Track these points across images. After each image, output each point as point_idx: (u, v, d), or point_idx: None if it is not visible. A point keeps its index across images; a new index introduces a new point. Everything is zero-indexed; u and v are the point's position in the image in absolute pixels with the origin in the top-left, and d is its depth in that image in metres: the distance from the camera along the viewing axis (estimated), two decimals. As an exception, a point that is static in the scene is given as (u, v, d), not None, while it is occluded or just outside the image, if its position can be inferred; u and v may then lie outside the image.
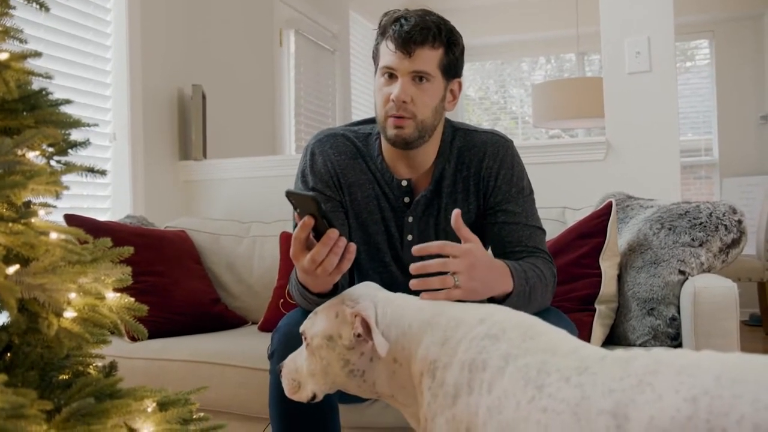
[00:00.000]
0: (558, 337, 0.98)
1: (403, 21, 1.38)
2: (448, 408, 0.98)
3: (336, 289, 1.29)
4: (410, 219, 1.51)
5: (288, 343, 1.34)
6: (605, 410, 0.81)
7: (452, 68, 1.44)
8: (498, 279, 1.29)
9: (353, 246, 1.17)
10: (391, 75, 1.41)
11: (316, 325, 1.16)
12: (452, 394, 0.98)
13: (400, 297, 1.16)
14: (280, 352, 1.36)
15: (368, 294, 1.16)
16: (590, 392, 0.83)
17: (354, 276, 1.58)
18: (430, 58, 1.39)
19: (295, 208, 1.16)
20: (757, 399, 0.72)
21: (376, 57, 1.46)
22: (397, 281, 1.47)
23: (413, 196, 1.51)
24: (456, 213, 1.23)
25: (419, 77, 1.40)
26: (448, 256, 1.21)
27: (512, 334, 0.98)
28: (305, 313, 1.27)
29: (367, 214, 1.52)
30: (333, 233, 1.13)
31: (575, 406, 0.83)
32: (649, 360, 0.84)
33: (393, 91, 1.40)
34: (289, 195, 1.15)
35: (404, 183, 1.50)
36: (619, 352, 0.89)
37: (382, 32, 1.42)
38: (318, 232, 1.15)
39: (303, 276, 1.24)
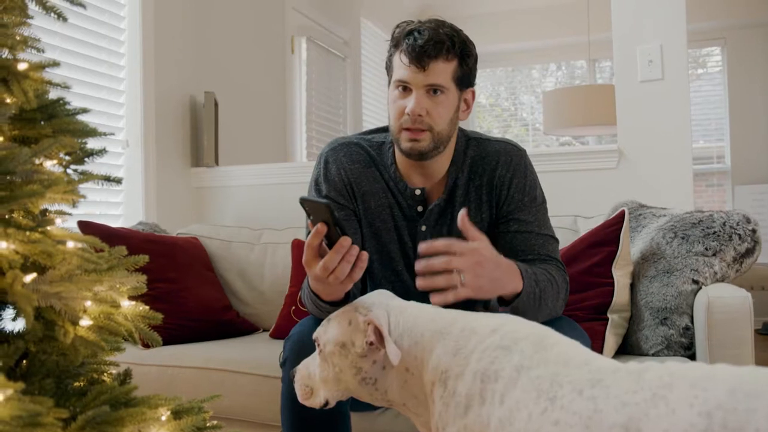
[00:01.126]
0: (570, 348, 0.98)
1: (416, 34, 1.38)
2: (460, 418, 0.98)
3: (347, 298, 1.29)
4: (423, 228, 1.51)
5: (300, 351, 1.33)
6: (618, 424, 0.80)
7: (466, 79, 1.44)
8: (506, 277, 1.28)
9: (365, 254, 1.17)
10: (405, 88, 1.41)
11: (329, 331, 1.16)
12: (464, 404, 0.98)
13: (414, 306, 1.16)
14: (292, 360, 1.36)
15: (381, 302, 1.16)
16: (603, 405, 0.83)
17: (367, 284, 1.58)
18: (444, 70, 1.39)
19: (308, 215, 1.16)
20: (773, 413, 0.72)
21: (389, 68, 1.46)
22: (409, 290, 1.46)
23: (426, 206, 1.51)
24: (462, 213, 1.22)
25: (434, 90, 1.39)
26: (455, 254, 1.21)
27: (524, 344, 0.98)
28: (317, 321, 1.27)
29: (380, 223, 1.52)
30: (345, 241, 1.13)
31: (588, 419, 0.83)
32: (662, 373, 0.83)
33: (407, 104, 1.39)
34: (303, 201, 1.15)
35: (417, 192, 1.50)
36: (633, 365, 0.89)
37: (395, 44, 1.42)
38: (331, 240, 1.15)
39: (315, 283, 1.24)
